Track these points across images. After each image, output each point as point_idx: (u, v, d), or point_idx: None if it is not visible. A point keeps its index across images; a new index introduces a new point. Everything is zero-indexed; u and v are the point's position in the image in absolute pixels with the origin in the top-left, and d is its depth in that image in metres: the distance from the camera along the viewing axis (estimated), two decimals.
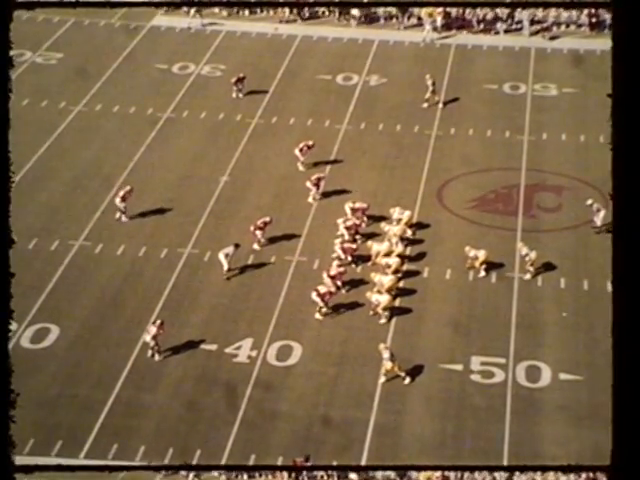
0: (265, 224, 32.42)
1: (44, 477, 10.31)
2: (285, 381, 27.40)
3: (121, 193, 33.84)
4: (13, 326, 28.65)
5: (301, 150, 36.59)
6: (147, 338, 27.85)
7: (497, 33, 47.75)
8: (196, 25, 48.14)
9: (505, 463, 24.86)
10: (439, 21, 47.65)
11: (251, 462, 24.64)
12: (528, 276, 31.16)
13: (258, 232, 32.27)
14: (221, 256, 31.08)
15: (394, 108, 41.54)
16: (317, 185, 34.88)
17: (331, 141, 38.92)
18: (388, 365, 26.91)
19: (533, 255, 31.05)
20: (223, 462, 24.60)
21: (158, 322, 28.00)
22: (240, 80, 41.78)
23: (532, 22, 47.74)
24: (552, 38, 47.37)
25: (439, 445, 25.38)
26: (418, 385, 27.30)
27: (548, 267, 31.76)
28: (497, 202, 35.54)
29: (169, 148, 38.73)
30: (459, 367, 27.87)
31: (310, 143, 36.87)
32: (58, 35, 47.12)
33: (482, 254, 31.11)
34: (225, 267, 31.11)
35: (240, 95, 41.79)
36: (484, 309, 30.08)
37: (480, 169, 37.57)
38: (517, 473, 24.81)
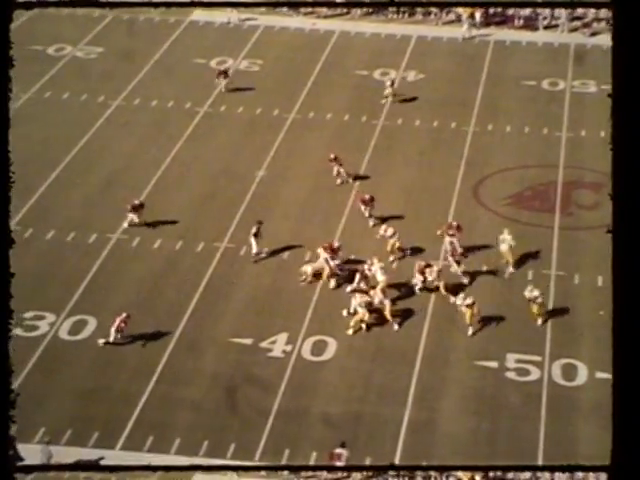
0: (333, 250, 30.64)
1: None
2: (319, 376, 27.44)
3: (133, 203, 33.41)
4: (51, 318, 28.94)
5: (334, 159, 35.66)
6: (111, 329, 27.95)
7: (536, 29, 47.46)
8: (234, 20, 48.28)
9: (540, 462, 24.70)
10: (478, 17, 47.42)
11: (285, 457, 24.70)
12: (540, 321, 29.13)
13: (328, 255, 30.56)
14: (251, 239, 31.50)
15: (431, 104, 41.40)
16: (367, 203, 33.36)
17: (368, 136, 38.88)
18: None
19: (540, 299, 29.11)
20: (257, 457, 24.67)
21: (123, 315, 28.06)
22: (223, 73, 41.82)
23: (572, 18, 47.36)
24: (592, 34, 46.98)
25: (473, 443, 25.30)
26: (453, 382, 27.23)
27: (585, 265, 31.53)
28: (534, 199, 35.32)
29: (206, 142, 38.88)
30: (494, 364, 27.76)
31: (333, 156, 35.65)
32: (98, 30, 47.46)
33: (505, 248, 30.85)
34: (254, 250, 31.27)
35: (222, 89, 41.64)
36: (520, 306, 29.91)
37: (517, 166, 37.35)
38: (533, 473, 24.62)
